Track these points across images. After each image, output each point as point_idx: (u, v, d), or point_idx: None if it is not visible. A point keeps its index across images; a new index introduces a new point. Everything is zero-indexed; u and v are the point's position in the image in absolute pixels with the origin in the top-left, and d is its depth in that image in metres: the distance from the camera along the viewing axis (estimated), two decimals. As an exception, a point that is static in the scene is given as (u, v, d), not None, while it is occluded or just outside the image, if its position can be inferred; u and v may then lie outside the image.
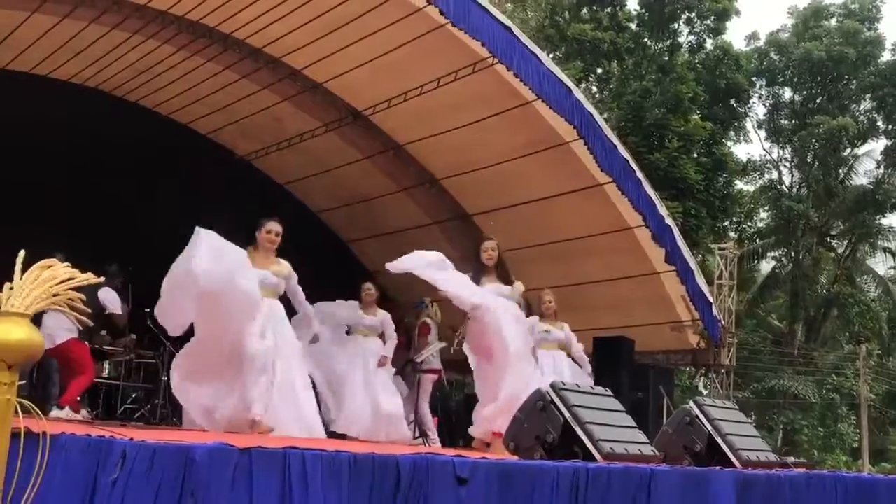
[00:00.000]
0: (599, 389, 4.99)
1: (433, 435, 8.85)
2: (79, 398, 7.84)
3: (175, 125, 12.57)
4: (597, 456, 4.26)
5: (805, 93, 27.97)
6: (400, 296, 12.89)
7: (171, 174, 11.50)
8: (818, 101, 27.75)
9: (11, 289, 2.64)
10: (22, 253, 2.73)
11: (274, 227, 6.21)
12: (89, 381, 7.93)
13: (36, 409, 2.71)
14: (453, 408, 12.06)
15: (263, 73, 11.34)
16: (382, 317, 8.62)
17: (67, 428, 3.10)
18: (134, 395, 9.77)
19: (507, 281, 6.74)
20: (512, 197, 11.98)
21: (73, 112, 11.14)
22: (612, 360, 11.17)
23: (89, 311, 2.86)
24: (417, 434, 9.81)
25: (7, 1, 9.42)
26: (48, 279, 2.69)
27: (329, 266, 12.12)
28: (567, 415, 4.40)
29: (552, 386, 4.53)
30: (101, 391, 9.55)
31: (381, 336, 8.61)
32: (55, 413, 7.13)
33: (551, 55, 21.68)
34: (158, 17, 10.17)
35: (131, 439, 2.80)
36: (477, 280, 6.59)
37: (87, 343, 7.86)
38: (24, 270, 2.74)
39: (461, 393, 13.52)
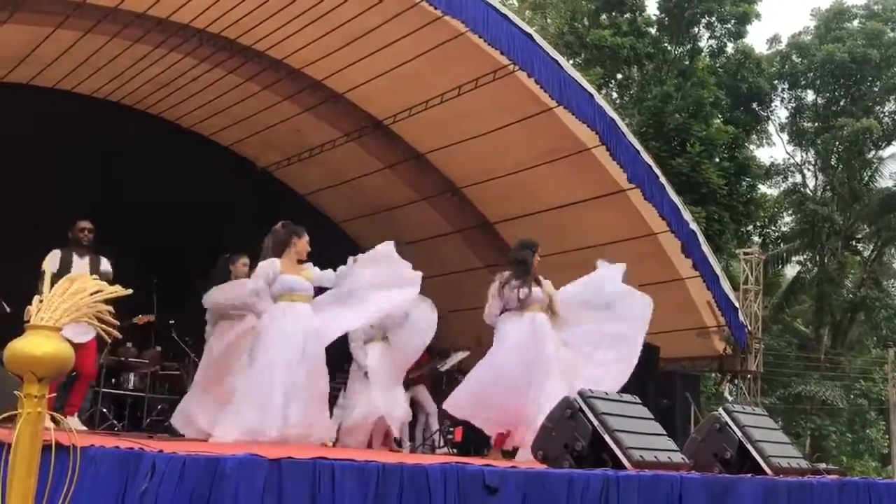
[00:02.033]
0: (628, 397, 4.95)
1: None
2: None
3: (197, 137, 12.66)
4: (626, 464, 4.22)
5: (828, 95, 27.73)
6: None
7: (193, 186, 11.57)
8: (841, 103, 27.50)
9: (41, 302, 2.65)
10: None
11: (307, 237, 6.32)
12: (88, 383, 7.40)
13: (65, 421, 2.73)
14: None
15: (284, 84, 11.38)
16: None
17: (97, 440, 3.11)
18: (159, 407, 9.79)
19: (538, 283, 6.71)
20: (534, 204, 11.95)
21: (96, 126, 11.23)
22: (637, 368, 11.08)
23: (118, 323, 2.87)
24: (441, 443, 9.84)
25: (30, 17, 9.52)
26: (77, 292, 2.71)
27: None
28: (595, 422, 4.36)
29: (580, 394, 4.49)
30: (126, 403, 9.60)
31: None
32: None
33: (571, 61, 21.58)
34: (179, 31, 10.24)
35: (161, 451, 2.81)
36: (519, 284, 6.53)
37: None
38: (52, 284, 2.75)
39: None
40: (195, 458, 2.66)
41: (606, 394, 4.67)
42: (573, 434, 4.34)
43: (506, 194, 12.17)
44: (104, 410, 9.06)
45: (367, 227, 13.98)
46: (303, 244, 6.26)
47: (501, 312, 6.57)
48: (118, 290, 2.94)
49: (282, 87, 11.46)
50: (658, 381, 11.34)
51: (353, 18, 9.69)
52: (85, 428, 7.26)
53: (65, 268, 6.70)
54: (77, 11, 9.60)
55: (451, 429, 10.49)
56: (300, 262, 6.27)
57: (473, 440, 9.59)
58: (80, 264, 6.99)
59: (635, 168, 10.68)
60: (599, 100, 10.52)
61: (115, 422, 9.07)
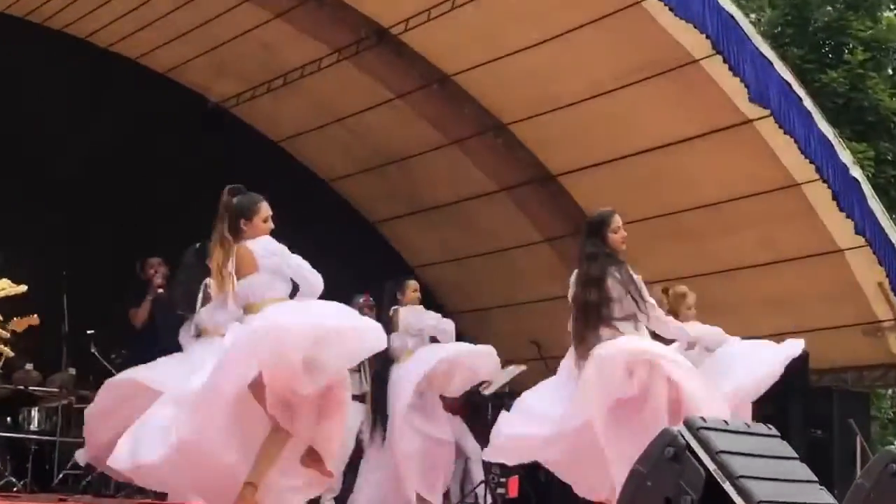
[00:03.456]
0: (760, 427, 4.94)
1: None
2: None
3: (120, 61, 12.74)
4: (758, 526, 4.23)
5: None
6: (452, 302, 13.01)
7: (114, 129, 11.70)
8: None
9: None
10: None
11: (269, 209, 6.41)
12: None
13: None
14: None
15: (245, -21, 11.46)
16: None
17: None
18: (76, 454, 9.89)
19: None
20: (616, 147, 11.92)
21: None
22: (775, 383, 11.09)
23: (7, 335, 2.91)
24: (489, 499, 9.91)
25: None
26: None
27: (350, 258, 12.17)
28: (711, 466, 4.36)
29: (688, 424, 4.48)
30: (29, 452, 9.64)
31: None
32: None
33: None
34: None
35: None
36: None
37: None
38: None
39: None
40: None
41: (727, 423, 4.66)
42: (678, 483, 4.34)
43: (575, 133, 12.14)
44: (-4, 464, 9.18)
45: (372, 187, 14.03)
46: (259, 226, 6.37)
47: None
48: (7, 289, 2.99)
49: (242, -16, 11.54)
50: (807, 401, 11.31)
51: None
52: None
53: None
54: None
55: (503, 479, 10.56)
56: None
57: (534, 496, 9.66)
58: None
59: (766, 87, 10.60)
60: (711, -12, 10.48)
61: (14, 479, 9.17)
